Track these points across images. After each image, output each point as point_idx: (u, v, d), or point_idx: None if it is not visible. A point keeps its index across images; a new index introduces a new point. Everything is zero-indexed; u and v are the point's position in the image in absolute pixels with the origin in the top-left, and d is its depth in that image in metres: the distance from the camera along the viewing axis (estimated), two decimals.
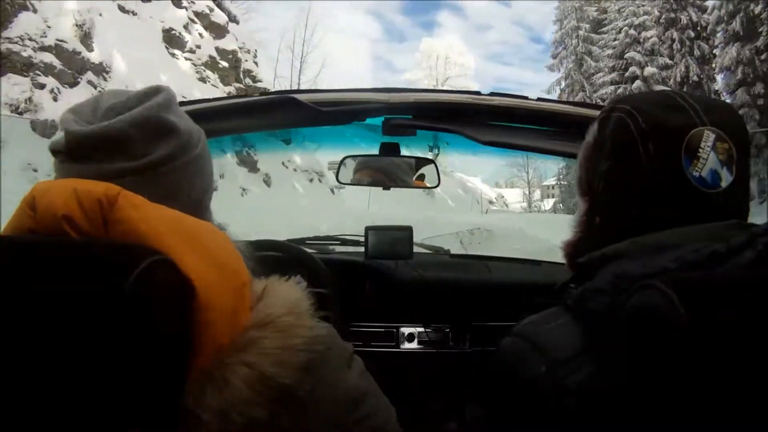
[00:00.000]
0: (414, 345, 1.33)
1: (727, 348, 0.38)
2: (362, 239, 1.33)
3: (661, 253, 0.48)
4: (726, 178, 0.50)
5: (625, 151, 0.53)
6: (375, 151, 1.21)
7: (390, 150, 1.18)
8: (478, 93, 0.96)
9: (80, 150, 0.48)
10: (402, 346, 1.33)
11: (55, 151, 0.50)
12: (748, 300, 0.40)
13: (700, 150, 0.50)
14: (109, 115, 0.50)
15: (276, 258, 1.17)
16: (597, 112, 0.92)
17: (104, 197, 0.44)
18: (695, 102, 0.52)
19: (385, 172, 1.34)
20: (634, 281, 0.44)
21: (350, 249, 1.60)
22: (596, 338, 0.48)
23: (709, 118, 0.51)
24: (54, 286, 0.38)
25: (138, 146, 0.49)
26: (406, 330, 1.33)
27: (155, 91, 0.53)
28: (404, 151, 1.20)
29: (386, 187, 1.36)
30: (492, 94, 0.95)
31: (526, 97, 0.95)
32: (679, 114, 0.52)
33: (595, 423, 0.45)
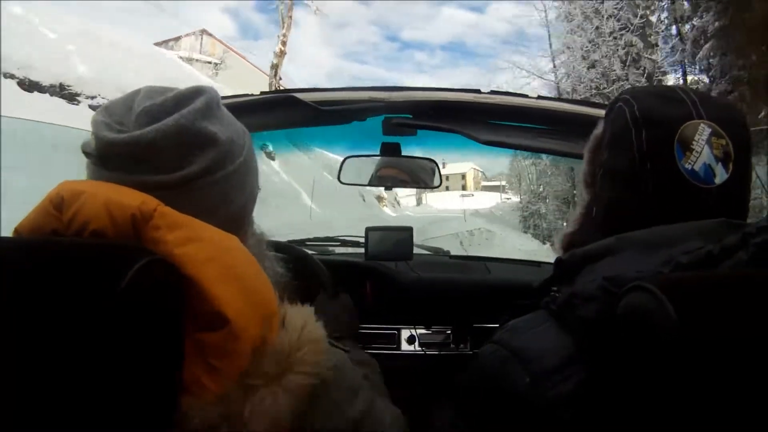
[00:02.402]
0: (414, 347, 1.32)
1: (719, 350, 0.37)
2: (362, 240, 1.32)
3: (651, 254, 0.47)
4: (720, 174, 0.49)
5: (620, 140, 0.53)
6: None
7: (391, 150, 1.18)
8: (477, 91, 0.96)
9: (111, 158, 0.46)
10: (403, 349, 1.32)
11: (87, 153, 0.48)
12: (740, 302, 0.39)
13: (694, 143, 0.49)
14: (142, 120, 0.46)
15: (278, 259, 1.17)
16: (597, 111, 0.93)
17: (139, 212, 0.41)
18: (695, 96, 0.52)
19: (408, 171, 1.35)
20: (624, 284, 0.43)
21: (350, 250, 1.60)
22: (585, 346, 0.46)
23: (706, 113, 0.50)
24: (49, 286, 0.37)
25: (171, 159, 0.45)
26: (406, 332, 1.32)
27: (194, 93, 0.48)
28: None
29: (389, 188, 1.36)
30: (492, 92, 0.95)
31: (526, 96, 0.95)
32: (676, 105, 0.51)
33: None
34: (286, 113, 0.95)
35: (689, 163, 0.49)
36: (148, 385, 0.38)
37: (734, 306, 0.39)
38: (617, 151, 0.53)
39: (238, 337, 0.41)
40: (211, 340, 0.41)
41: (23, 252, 0.40)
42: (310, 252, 1.32)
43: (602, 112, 0.91)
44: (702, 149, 0.49)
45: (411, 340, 1.32)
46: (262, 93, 0.97)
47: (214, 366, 0.41)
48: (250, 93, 0.97)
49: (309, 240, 1.60)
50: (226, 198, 0.49)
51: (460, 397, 0.57)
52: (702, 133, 0.49)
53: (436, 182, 1.38)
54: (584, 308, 0.47)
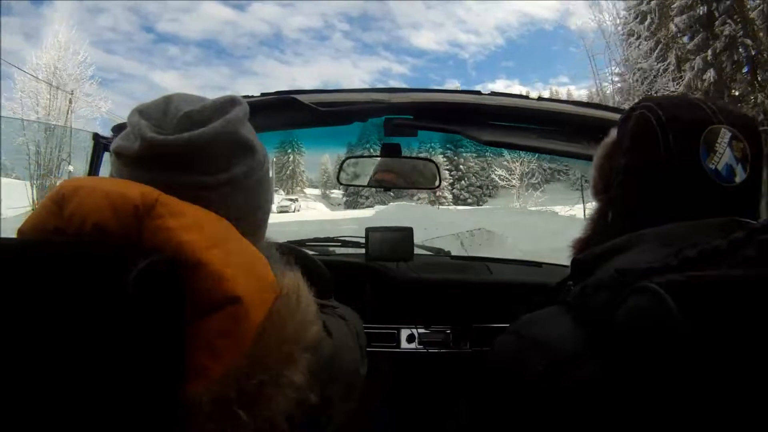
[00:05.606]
0: (415, 345, 1.33)
1: (725, 350, 0.37)
2: (363, 241, 1.33)
3: (662, 248, 0.48)
4: (740, 174, 0.53)
5: (644, 144, 0.55)
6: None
7: (392, 150, 1.19)
8: (478, 93, 0.96)
9: (155, 158, 0.46)
10: (403, 347, 1.32)
11: (121, 154, 0.47)
12: (746, 301, 0.39)
13: (717, 145, 0.53)
14: (185, 123, 0.47)
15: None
16: (599, 112, 0.94)
17: (141, 203, 0.42)
18: (713, 104, 0.56)
19: (405, 174, 1.36)
20: (635, 275, 0.44)
21: (351, 251, 1.60)
22: (598, 335, 0.47)
23: (725, 119, 0.54)
24: (56, 286, 0.37)
25: (218, 161, 0.48)
26: (406, 331, 1.33)
27: (233, 102, 0.51)
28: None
29: (387, 189, 1.36)
30: (493, 93, 0.95)
31: (527, 97, 0.95)
32: (698, 111, 0.55)
33: (596, 422, 0.44)
34: (287, 115, 0.96)
35: (713, 163, 0.52)
36: (152, 380, 0.39)
37: (741, 305, 0.39)
38: (640, 154, 0.56)
39: (247, 314, 0.42)
40: (216, 322, 0.41)
41: (27, 252, 0.40)
42: (310, 252, 1.33)
43: (603, 114, 0.92)
44: (724, 150, 0.53)
45: (411, 338, 1.33)
46: (262, 94, 0.97)
47: (216, 347, 0.41)
48: (250, 95, 0.97)
49: (309, 240, 1.61)
50: (258, 200, 0.53)
51: (477, 390, 0.58)
52: (724, 136, 0.53)
53: (435, 183, 1.38)
54: (595, 297, 0.48)
